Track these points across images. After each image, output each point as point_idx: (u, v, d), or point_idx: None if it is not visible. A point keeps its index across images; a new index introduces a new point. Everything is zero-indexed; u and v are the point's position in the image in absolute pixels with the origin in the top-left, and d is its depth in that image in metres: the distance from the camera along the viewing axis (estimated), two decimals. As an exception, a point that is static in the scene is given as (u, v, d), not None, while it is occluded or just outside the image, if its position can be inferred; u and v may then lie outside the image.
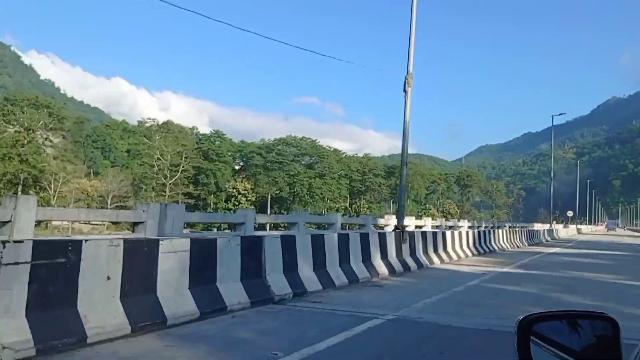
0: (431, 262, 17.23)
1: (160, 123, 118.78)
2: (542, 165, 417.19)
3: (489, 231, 26.58)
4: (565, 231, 64.77)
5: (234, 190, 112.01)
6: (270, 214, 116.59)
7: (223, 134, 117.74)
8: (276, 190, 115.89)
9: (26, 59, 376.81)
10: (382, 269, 13.65)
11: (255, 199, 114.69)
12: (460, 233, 21.66)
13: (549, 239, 46.56)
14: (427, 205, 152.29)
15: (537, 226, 49.64)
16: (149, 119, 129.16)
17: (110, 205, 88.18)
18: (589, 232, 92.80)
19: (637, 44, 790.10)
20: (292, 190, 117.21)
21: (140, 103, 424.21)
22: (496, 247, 26.40)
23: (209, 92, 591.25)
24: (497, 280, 13.84)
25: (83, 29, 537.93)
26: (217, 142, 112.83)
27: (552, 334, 1.58)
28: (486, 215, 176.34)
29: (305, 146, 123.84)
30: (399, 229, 15.80)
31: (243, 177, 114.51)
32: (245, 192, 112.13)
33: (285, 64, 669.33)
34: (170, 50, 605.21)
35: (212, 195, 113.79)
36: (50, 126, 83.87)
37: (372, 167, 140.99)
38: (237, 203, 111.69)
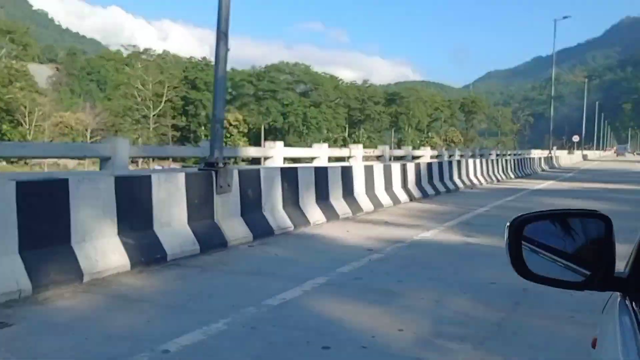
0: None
1: (156, 53, 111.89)
2: (551, 89, 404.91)
3: (450, 163, 20.01)
4: (569, 158, 58.59)
5: (225, 121, 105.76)
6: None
7: (211, 62, 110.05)
8: (270, 120, 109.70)
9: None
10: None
11: (248, 130, 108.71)
12: (403, 167, 15.51)
13: (546, 168, 40.42)
14: (429, 133, 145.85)
15: (535, 153, 43.80)
16: (144, 49, 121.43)
17: (90, 139, 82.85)
18: (596, 158, 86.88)
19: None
20: (286, 121, 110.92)
21: (138, 33, 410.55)
22: (461, 184, 20.02)
23: (208, 19, 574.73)
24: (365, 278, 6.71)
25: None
26: (205, 71, 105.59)
27: (544, 235, 1.56)
28: (492, 142, 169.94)
29: (299, 73, 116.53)
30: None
31: (234, 108, 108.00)
32: (237, 123, 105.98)
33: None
34: None
35: (203, 127, 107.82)
36: (15, 54, 77.07)
37: (372, 94, 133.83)
38: (228, 135, 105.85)
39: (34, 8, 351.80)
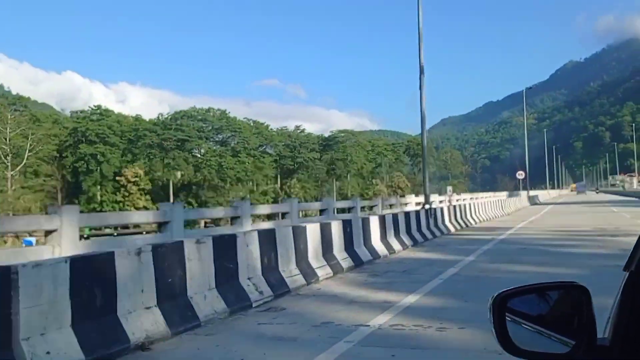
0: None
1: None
2: (504, 132, 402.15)
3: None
4: (509, 203, 36.40)
5: (123, 178, 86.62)
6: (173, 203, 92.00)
7: (108, 110, 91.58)
8: (180, 174, 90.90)
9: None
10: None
11: (153, 186, 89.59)
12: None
13: (436, 231, 18.99)
14: (373, 180, 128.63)
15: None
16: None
17: None
18: (550, 199, 70.79)
19: (592, 2, 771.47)
20: (198, 174, 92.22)
21: (96, 96, 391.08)
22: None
23: (167, 81, 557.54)
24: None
25: (27, 24, 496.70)
26: (97, 121, 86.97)
27: (527, 307, 1.55)
28: (443, 186, 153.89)
29: (213, 120, 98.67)
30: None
31: (131, 162, 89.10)
32: (137, 179, 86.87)
33: (242, 47, 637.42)
34: (123, 42, 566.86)
35: (98, 186, 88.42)
36: None
37: (304, 140, 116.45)
38: (126, 194, 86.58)
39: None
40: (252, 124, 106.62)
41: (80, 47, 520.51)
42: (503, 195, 44.10)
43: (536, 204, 51.84)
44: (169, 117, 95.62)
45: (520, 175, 55.44)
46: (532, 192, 63.21)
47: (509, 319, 1.49)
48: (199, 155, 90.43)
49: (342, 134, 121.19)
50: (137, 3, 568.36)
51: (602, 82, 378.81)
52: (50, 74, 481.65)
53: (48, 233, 7.72)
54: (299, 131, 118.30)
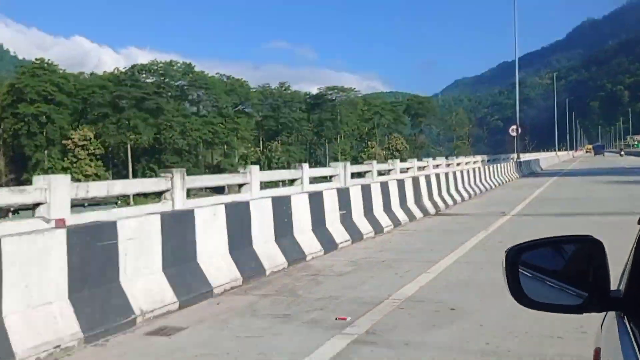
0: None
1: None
2: (519, 93, 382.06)
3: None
4: (476, 177, 21.12)
5: (70, 142, 73.73)
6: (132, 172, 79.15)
7: (53, 64, 77.96)
8: (136, 137, 77.70)
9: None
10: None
11: (106, 151, 76.67)
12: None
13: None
14: (368, 142, 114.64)
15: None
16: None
17: None
18: (556, 165, 53.76)
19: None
20: (158, 136, 78.90)
21: (105, 61, 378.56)
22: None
23: (175, 45, 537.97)
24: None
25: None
26: (38, 76, 73.59)
27: (540, 261, 1.56)
28: (446, 150, 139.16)
29: (176, 74, 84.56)
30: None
31: (82, 123, 76.02)
32: (85, 142, 73.98)
33: (250, 8, 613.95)
34: (132, 5, 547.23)
35: (44, 152, 75.68)
36: None
37: (288, 99, 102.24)
38: (74, 159, 73.83)
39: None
40: (225, 80, 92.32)
41: (89, 12, 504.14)
42: (478, 160, 28.58)
43: (533, 173, 35.76)
44: (124, 72, 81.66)
45: (513, 131, 40.60)
46: (530, 155, 48.20)
47: (522, 272, 1.50)
48: (156, 116, 76.72)
49: (332, 91, 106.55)
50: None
51: (620, 40, 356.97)
52: (58, 39, 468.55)
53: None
54: (283, 89, 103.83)
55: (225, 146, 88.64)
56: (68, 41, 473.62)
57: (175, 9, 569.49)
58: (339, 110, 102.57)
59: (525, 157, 43.56)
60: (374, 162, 17.26)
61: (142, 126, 76.57)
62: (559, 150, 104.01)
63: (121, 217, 5.79)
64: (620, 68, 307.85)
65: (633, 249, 1.49)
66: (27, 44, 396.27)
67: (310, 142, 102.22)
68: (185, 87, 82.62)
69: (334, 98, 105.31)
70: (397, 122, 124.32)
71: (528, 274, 1.50)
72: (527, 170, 35.91)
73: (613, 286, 1.48)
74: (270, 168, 76.63)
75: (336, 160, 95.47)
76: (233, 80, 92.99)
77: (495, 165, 25.63)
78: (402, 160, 21.82)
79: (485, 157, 32.45)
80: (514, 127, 39.73)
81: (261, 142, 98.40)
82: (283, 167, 69.42)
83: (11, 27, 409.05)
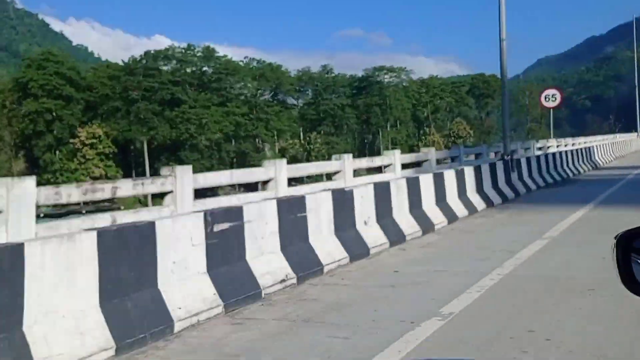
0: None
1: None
2: (608, 69, 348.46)
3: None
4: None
5: (77, 140, 65.70)
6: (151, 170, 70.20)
7: (55, 55, 69.56)
8: (151, 132, 68.57)
9: (56, 26, 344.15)
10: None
11: (118, 149, 68.15)
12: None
13: None
14: (426, 129, 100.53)
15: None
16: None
17: None
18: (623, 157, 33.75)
19: None
20: (175, 130, 69.23)
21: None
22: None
23: (251, 38, 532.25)
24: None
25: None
26: (44, 69, 65.84)
27: None
28: (517, 135, 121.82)
29: (195, 59, 74.37)
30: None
31: (90, 119, 67.67)
32: (95, 140, 65.70)
33: None
34: (206, 3, 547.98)
35: (55, 152, 68.24)
36: None
37: (329, 83, 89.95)
38: (82, 159, 65.78)
39: (74, 44, 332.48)
40: (255, 65, 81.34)
41: (166, 10, 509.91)
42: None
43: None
44: (136, 60, 72.43)
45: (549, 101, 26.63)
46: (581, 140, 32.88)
47: (635, 258, 1.40)
48: (172, 107, 67.08)
49: (382, 72, 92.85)
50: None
51: None
52: (140, 39, 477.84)
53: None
54: (325, 72, 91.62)
55: (259, 140, 77.96)
56: (150, 41, 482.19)
57: (249, 3, 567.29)
58: (388, 94, 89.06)
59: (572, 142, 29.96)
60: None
61: (154, 120, 67.33)
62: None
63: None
64: None
65: None
66: (111, 45, 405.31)
67: (355, 131, 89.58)
68: (207, 74, 72.35)
69: (382, 80, 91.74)
70: (460, 105, 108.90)
71: None
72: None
73: None
74: (308, 161, 65.88)
75: (379, 150, 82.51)
76: (265, 66, 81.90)
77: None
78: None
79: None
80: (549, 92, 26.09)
81: (301, 133, 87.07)
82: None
83: (98, 31, 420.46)
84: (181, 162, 70.31)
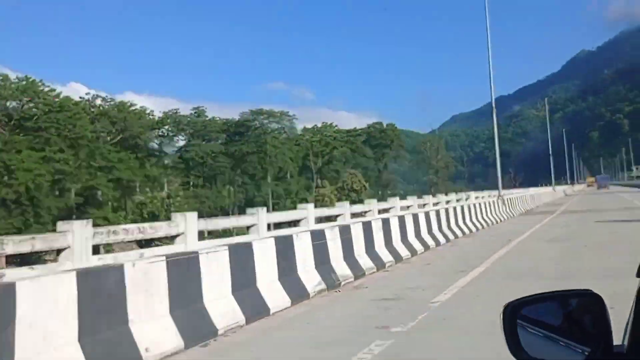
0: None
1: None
2: (515, 127, 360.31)
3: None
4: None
5: None
6: None
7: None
8: None
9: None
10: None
11: None
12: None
13: None
14: (319, 180, 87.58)
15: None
16: None
17: None
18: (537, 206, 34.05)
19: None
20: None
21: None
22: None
23: (172, 88, 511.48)
24: None
25: (30, 40, 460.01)
26: None
27: (540, 315, 1.47)
28: (418, 188, 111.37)
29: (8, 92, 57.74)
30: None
31: None
32: None
33: (244, 51, 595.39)
34: (126, 52, 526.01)
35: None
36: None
37: (198, 127, 75.34)
38: None
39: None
40: (100, 104, 65.35)
41: (85, 59, 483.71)
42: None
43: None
44: None
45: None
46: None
47: (522, 326, 1.41)
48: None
49: (261, 116, 79.50)
50: (134, 13, 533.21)
51: (616, 69, 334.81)
52: (55, 85, 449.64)
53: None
54: (197, 115, 77.19)
55: (92, 192, 61.62)
56: (65, 88, 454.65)
57: (169, 53, 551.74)
58: (266, 142, 75.52)
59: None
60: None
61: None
62: (558, 184, 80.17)
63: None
64: (618, 96, 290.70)
65: (634, 303, 1.36)
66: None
67: (229, 182, 75.05)
68: (30, 111, 55.77)
69: (259, 125, 78.29)
70: (356, 155, 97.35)
71: (529, 329, 1.40)
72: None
73: (617, 341, 1.37)
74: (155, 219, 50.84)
75: (264, 205, 67.96)
76: (113, 106, 66.18)
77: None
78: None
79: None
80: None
81: (165, 185, 71.41)
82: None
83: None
84: None
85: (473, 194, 23.78)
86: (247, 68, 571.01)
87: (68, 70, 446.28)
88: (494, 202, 24.57)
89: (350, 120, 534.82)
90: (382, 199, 18.71)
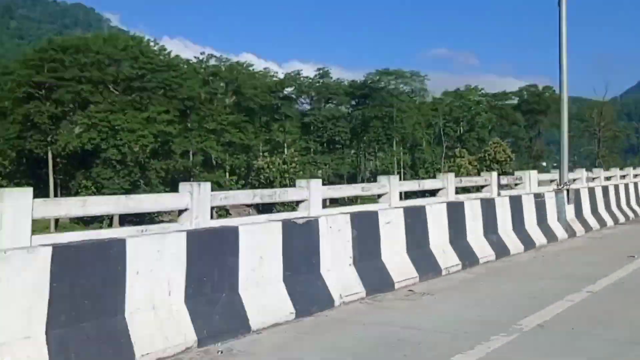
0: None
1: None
2: None
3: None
4: None
5: None
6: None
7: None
8: (47, 140, 51.00)
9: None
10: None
11: (10, 163, 50.94)
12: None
13: None
14: (456, 150, 76.37)
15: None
16: None
17: None
18: None
19: None
20: (80, 139, 51.05)
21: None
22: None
23: (337, 58, 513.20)
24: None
25: (207, 10, 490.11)
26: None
27: None
28: (578, 161, 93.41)
29: (113, 51, 55.01)
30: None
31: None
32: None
33: (407, 17, 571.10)
34: (295, 22, 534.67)
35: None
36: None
37: (321, 90, 68.65)
38: None
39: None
40: (213, 64, 61.26)
41: (255, 29, 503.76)
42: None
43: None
44: (39, 50, 54.74)
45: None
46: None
47: None
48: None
49: (387, 77, 70.09)
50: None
51: None
52: (229, 56, 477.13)
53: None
54: (320, 77, 70.39)
55: (203, 155, 58.37)
56: (238, 58, 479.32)
57: (334, 21, 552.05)
58: (394, 105, 66.32)
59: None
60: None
61: (46, 126, 49.73)
62: None
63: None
64: None
65: None
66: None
67: (345, 147, 67.69)
68: (134, 71, 53.29)
69: (389, 86, 69.00)
70: (503, 122, 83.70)
71: None
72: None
73: None
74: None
75: (386, 172, 59.10)
76: (227, 66, 61.81)
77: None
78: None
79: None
80: None
81: (285, 149, 66.48)
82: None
83: (190, 48, 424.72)
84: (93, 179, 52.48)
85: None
86: (409, 34, 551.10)
87: (238, 41, 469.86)
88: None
89: (518, 86, 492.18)
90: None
